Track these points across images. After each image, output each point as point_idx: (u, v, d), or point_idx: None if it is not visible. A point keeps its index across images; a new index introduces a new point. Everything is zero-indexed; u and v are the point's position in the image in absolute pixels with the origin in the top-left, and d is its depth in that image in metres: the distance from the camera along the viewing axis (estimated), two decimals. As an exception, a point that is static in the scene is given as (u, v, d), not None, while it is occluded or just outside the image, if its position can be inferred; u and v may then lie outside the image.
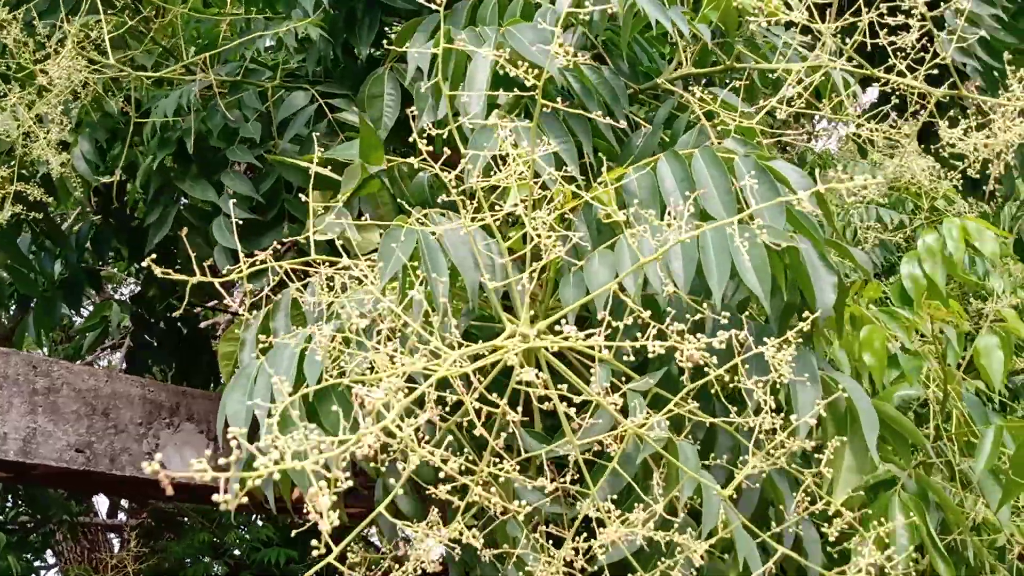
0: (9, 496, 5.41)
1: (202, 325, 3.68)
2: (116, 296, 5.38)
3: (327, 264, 1.60)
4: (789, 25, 1.92)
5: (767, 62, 1.84)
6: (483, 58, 1.52)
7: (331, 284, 1.57)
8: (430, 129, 1.49)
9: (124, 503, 6.15)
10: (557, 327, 1.18)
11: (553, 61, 1.46)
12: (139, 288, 3.89)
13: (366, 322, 1.30)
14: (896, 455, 1.62)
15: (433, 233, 1.31)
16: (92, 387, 2.75)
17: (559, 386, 1.22)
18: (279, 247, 2.44)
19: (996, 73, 2.84)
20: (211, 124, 2.44)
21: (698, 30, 1.70)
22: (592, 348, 1.09)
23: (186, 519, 5.81)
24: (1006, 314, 1.81)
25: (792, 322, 1.48)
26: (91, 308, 4.26)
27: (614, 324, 1.17)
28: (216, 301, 3.59)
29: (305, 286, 1.67)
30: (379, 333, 1.28)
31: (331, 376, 1.39)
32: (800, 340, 1.34)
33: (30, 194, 2.51)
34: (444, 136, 1.56)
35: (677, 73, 1.85)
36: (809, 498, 1.37)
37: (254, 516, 5.92)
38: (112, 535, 6.05)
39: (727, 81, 1.82)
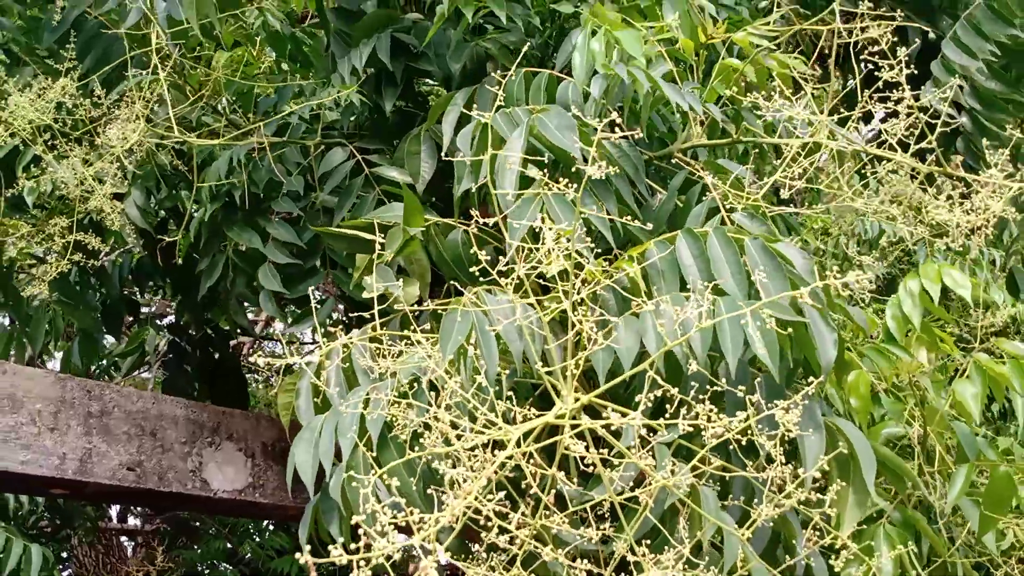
0: (27, 501, 5.57)
1: (231, 344, 3.89)
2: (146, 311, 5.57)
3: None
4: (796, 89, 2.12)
5: (773, 130, 2.04)
6: (515, 150, 1.73)
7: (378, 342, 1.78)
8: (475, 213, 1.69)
9: (137, 508, 6.33)
10: (599, 405, 1.39)
11: (576, 147, 1.68)
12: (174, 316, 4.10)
13: (425, 378, 1.51)
14: (891, 489, 1.83)
15: (485, 313, 1.52)
16: (141, 409, 2.95)
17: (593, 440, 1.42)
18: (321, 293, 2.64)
19: (985, 119, 3.06)
20: (257, 177, 2.64)
21: (710, 109, 1.90)
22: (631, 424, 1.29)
23: (198, 524, 6.01)
24: (981, 359, 2.02)
25: (798, 376, 1.69)
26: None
27: (645, 394, 1.37)
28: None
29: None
30: (437, 395, 1.49)
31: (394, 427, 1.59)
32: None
33: (89, 243, 2.71)
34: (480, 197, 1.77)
35: (689, 144, 2.05)
36: (818, 533, 1.57)
37: (266, 524, 6.12)
38: (124, 539, 6.23)
39: (736, 151, 2.03)
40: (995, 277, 4.58)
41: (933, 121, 1.91)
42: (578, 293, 1.53)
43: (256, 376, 5.50)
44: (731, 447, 1.49)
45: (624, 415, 1.42)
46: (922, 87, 3.05)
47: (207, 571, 5.99)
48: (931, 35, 2.54)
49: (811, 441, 1.52)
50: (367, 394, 1.69)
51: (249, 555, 5.88)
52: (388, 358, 1.69)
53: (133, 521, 6.34)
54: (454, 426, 1.36)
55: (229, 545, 5.91)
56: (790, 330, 1.48)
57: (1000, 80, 3.07)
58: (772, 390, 1.66)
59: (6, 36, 2.99)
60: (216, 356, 3.86)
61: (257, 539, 5.97)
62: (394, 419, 1.56)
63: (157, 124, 2.70)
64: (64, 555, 5.79)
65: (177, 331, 3.83)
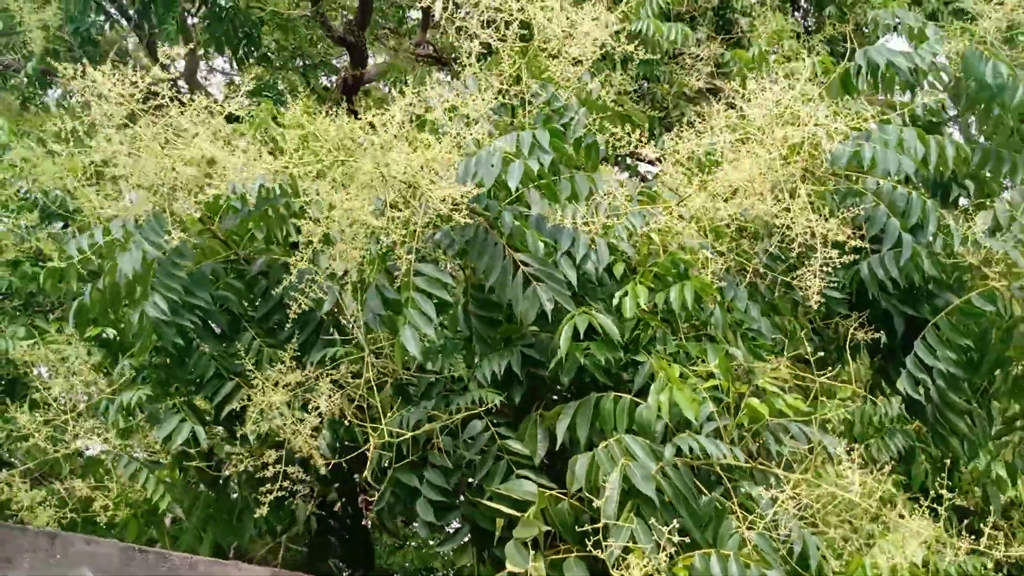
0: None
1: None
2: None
3: None
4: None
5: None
6: (614, 483, 2.82)
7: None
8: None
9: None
10: None
11: (651, 489, 2.76)
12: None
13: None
14: None
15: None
16: (303, 588, 4.02)
17: None
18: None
19: (951, 393, 4.03)
20: (417, 436, 3.75)
21: (733, 453, 2.99)
22: None
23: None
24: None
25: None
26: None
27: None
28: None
29: None
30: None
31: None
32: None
33: (295, 474, 3.84)
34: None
35: (726, 461, 3.10)
36: None
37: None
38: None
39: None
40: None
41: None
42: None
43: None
44: None
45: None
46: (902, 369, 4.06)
47: None
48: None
49: None
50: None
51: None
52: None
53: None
54: None
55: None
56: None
57: (962, 368, 4.04)
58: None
59: (225, 304, 4.16)
60: (353, 528, 4.98)
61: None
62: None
63: (347, 387, 3.84)
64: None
65: (326, 508, 4.95)
